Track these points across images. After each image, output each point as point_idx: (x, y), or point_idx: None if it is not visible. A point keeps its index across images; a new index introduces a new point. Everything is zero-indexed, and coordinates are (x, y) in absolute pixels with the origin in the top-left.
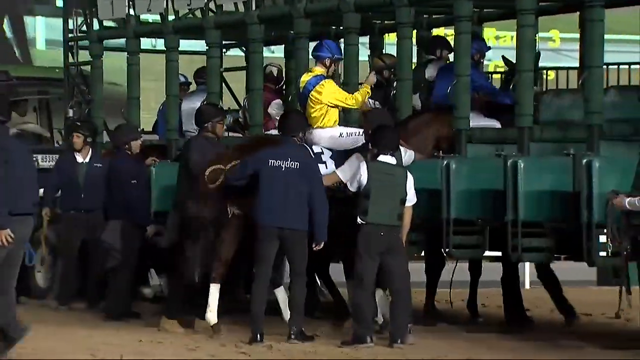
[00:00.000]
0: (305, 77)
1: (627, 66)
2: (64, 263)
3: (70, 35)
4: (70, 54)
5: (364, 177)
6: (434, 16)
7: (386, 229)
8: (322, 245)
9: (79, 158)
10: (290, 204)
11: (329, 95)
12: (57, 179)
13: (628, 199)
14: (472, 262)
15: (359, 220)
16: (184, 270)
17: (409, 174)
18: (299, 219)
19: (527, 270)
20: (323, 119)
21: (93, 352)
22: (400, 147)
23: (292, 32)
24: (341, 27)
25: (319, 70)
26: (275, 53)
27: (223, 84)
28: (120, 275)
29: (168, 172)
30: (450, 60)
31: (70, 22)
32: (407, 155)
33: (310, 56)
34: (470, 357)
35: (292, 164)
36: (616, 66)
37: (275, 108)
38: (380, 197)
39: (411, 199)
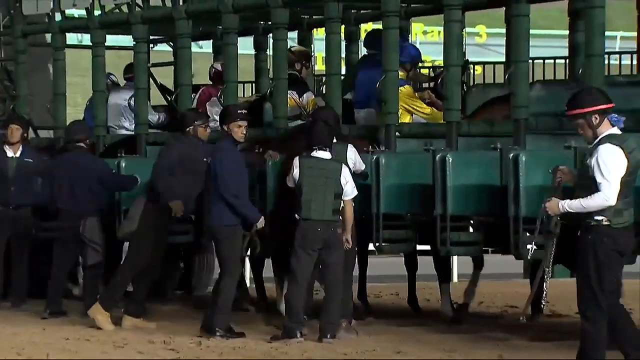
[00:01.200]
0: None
1: (552, 61)
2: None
3: None
4: None
5: (296, 172)
6: (361, 11)
7: (322, 224)
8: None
9: (9, 152)
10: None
11: (404, 100)
12: None
13: (568, 203)
14: (407, 257)
15: (296, 216)
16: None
17: (344, 167)
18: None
19: (456, 264)
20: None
21: (19, 351)
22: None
23: (220, 27)
24: (269, 22)
25: (399, 74)
26: (203, 48)
27: (151, 80)
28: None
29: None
30: None
31: None
32: (349, 151)
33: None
34: (399, 350)
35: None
36: (542, 61)
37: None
38: (313, 192)
39: (349, 192)
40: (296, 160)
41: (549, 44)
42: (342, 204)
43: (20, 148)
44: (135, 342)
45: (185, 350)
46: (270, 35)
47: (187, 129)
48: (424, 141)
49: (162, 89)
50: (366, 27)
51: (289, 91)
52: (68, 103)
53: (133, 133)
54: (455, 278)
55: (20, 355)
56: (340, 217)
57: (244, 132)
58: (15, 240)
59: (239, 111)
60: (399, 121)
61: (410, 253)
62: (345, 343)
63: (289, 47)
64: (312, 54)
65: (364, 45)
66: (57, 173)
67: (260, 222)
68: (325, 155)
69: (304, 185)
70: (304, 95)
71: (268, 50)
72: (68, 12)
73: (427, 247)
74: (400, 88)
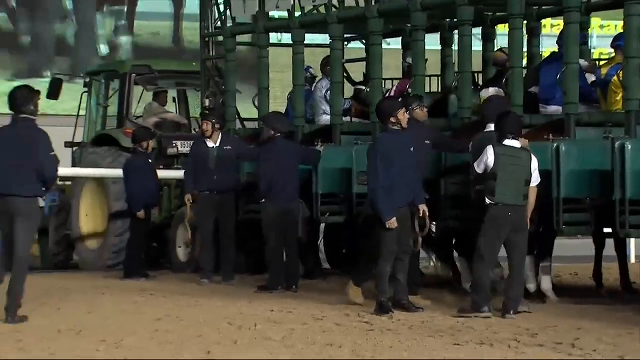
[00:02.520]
0: (606, 66)
1: None
2: (201, 240)
3: (206, 31)
4: (206, 49)
5: (490, 159)
6: (543, 7)
7: (513, 209)
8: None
9: (210, 143)
10: None
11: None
12: (192, 163)
13: None
14: (595, 236)
15: (487, 200)
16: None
17: (533, 156)
18: None
19: (633, 246)
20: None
21: (230, 321)
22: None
23: (409, 24)
24: (455, 19)
25: (618, 58)
26: (391, 45)
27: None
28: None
29: (333, 155)
30: None
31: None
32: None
33: (610, 47)
34: (580, 327)
35: None
36: None
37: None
38: (507, 179)
39: (535, 179)
40: (489, 148)
41: None
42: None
43: (220, 138)
44: (332, 314)
45: (377, 323)
46: (456, 31)
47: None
48: (602, 129)
49: (354, 83)
50: (545, 23)
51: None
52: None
53: (329, 123)
54: (632, 259)
55: (232, 324)
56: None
57: (405, 118)
58: (221, 222)
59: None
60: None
61: (620, 239)
62: (527, 318)
63: (499, 47)
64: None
65: (557, 42)
66: (264, 159)
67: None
68: (516, 144)
69: (499, 172)
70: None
71: (453, 45)
72: (270, 13)
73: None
74: (619, 72)
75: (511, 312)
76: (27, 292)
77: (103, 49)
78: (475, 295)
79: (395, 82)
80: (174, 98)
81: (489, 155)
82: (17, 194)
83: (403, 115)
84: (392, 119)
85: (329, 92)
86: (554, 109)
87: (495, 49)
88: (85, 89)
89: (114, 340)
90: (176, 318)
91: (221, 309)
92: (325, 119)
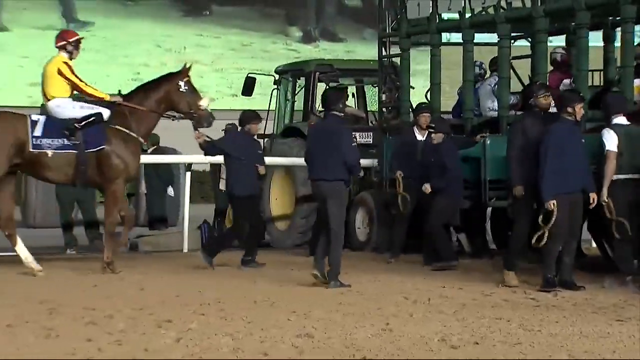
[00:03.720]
0: None
1: None
2: (397, 221)
3: (383, 32)
4: (383, 49)
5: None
6: None
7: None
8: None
9: (419, 136)
10: None
11: None
12: (399, 150)
13: None
14: None
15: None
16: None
17: None
18: None
19: None
20: None
21: (406, 295)
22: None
23: (573, 23)
24: (617, 18)
25: None
26: (553, 42)
27: (511, 71)
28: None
29: (499, 145)
30: None
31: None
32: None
33: None
34: None
35: None
36: None
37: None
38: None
39: None
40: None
41: None
42: None
43: (426, 133)
44: (500, 291)
45: (542, 299)
46: (618, 29)
47: (530, 101)
48: None
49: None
50: None
51: None
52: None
53: (496, 115)
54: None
55: (408, 299)
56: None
57: (582, 112)
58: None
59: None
60: None
61: None
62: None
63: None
64: None
65: None
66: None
67: None
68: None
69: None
70: None
71: (615, 42)
72: (442, 15)
73: None
74: None
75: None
76: (225, 267)
77: None
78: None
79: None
80: (353, 94)
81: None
82: (325, 179)
83: (579, 109)
84: (569, 109)
85: (496, 87)
86: None
87: None
88: (276, 86)
89: (303, 312)
90: (357, 292)
91: (398, 285)
92: (492, 114)
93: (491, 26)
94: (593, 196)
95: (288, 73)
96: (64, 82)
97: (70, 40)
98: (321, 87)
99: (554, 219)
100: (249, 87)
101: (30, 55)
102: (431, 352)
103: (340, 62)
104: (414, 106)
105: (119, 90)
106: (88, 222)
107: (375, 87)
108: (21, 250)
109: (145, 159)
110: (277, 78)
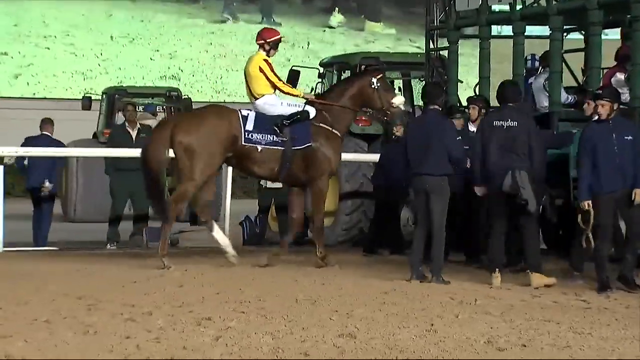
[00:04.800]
0: None
1: None
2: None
3: (431, 25)
4: (430, 41)
5: None
6: None
7: None
8: None
9: (472, 127)
10: None
11: None
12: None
13: None
14: None
15: None
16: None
17: None
18: None
19: None
20: None
21: (452, 296)
22: None
23: (629, 15)
24: None
25: None
26: (608, 35)
27: (563, 64)
28: None
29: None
30: None
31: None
32: None
33: None
34: None
35: None
36: None
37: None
38: None
39: None
40: None
41: None
42: None
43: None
44: (549, 293)
45: (595, 302)
46: None
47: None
48: None
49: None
50: None
51: None
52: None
53: (548, 111)
54: None
55: (453, 299)
56: None
57: (606, 111)
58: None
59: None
60: None
61: None
62: None
63: None
64: None
65: None
66: None
67: None
68: None
69: None
70: None
71: None
72: (493, 7)
73: None
74: None
75: None
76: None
77: None
78: None
79: None
80: (399, 87)
81: None
82: (429, 173)
83: (605, 107)
84: (597, 108)
85: (547, 82)
86: None
87: None
88: (320, 80)
89: (345, 311)
90: (402, 292)
91: (442, 285)
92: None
93: (543, 18)
94: (637, 192)
95: (333, 66)
96: (266, 80)
97: (268, 40)
98: None
99: (592, 219)
100: (293, 80)
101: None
102: (477, 354)
103: (387, 55)
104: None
105: (312, 88)
106: (137, 216)
107: (422, 80)
108: (218, 236)
109: None
110: (321, 71)
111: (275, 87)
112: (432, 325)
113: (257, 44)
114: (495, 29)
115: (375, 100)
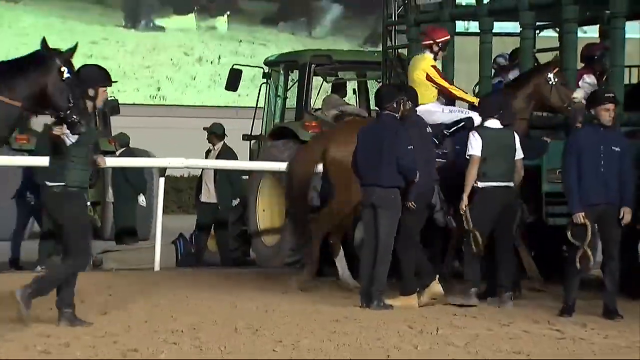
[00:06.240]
0: None
1: None
2: None
3: (389, 20)
4: (388, 39)
5: None
6: None
7: None
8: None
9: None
10: None
11: None
12: None
13: None
14: None
15: None
16: None
17: None
18: None
19: None
20: None
21: (410, 324)
22: None
23: (607, 11)
24: None
25: None
26: (587, 33)
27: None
28: None
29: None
30: None
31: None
32: None
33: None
34: None
35: None
36: None
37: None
38: None
39: None
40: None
41: None
42: None
43: None
44: (519, 322)
45: (569, 331)
46: None
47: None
48: None
49: None
50: None
51: None
52: None
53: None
54: None
55: (412, 328)
56: None
57: (611, 116)
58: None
59: (606, 95)
60: None
61: None
62: None
63: None
64: None
65: None
66: None
67: None
68: None
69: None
70: None
71: None
72: (457, 0)
73: None
74: None
75: None
76: (204, 288)
77: None
78: None
79: None
80: (354, 90)
81: None
82: (378, 184)
83: (604, 112)
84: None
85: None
86: None
87: None
88: (265, 80)
89: (290, 341)
90: (355, 320)
91: (400, 312)
92: None
93: (513, 14)
94: (624, 211)
95: (279, 65)
96: (432, 88)
97: (438, 40)
98: (317, 82)
99: (588, 232)
100: (233, 81)
101: None
102: None
103: (340, 53)
104: None
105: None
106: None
107: (379, 82)
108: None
109: (111, 162)
110: (266, 71)
111: (446, 92)
112: (388, 357)
113: (424, 44)
114: (462, 26)
115: (553, 97)
